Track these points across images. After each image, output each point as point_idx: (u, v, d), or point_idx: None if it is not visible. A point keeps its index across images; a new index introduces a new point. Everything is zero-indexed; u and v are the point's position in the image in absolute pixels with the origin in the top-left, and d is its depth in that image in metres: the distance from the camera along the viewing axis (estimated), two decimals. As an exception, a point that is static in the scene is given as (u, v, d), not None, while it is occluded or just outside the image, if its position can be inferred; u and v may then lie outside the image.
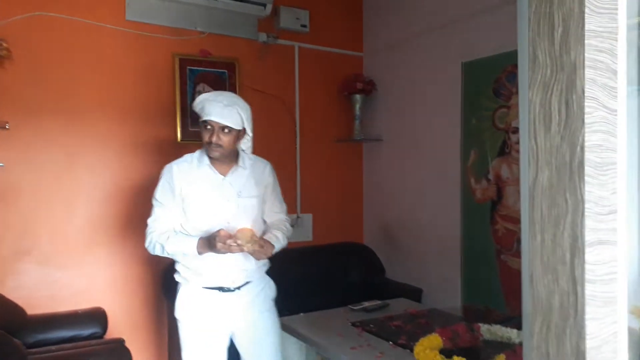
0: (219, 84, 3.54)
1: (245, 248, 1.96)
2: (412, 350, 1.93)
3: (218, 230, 1.99)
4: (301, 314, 2.59)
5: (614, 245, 0.74)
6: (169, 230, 2.12)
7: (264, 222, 2.28)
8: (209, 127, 2.08)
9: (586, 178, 0.71)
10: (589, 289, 0.73)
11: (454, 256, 3.32)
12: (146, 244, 2.14)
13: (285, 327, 2.39)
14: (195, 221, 2.12)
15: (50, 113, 3.05)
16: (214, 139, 2.06)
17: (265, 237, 2.15)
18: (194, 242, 2.06)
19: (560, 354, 0.75)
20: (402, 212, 3.83)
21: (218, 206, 2.12)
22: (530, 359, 0.78)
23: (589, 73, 0.72)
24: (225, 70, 3.60)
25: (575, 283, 0.73)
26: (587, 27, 0.71)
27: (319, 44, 4.02)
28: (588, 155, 0.71)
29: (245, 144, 2.27)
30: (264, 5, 3.66)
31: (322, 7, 4.02)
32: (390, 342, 2.17)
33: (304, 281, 3.32)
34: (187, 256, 2.10)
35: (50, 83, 3.05)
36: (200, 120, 2.12)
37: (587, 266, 0.72)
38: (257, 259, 2.08)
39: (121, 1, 3.26)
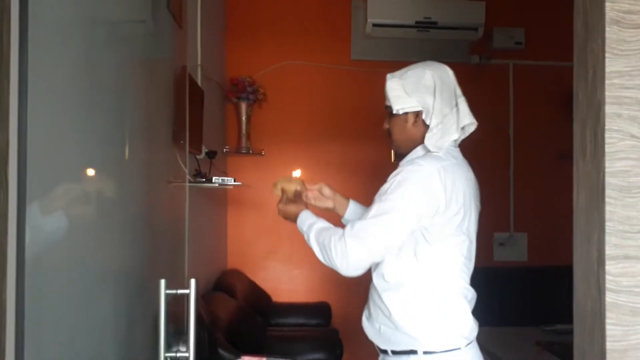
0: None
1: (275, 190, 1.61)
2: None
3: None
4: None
5: None
6: None
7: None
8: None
9: (607, 199, 0.82)
10: (611, 297, 0.82)
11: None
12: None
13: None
14: None
15: (294, 142, 3.83)
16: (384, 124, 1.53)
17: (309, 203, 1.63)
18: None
19: (591, 353, 0.85)
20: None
21: None
22: (575, 356, 0.89)
23: (611, 108, 0.83)
24: (437, 95, 3.88)
25: (600, 291, 0.83)
26: (607, 69, 0.82)
27: (535, 59, 3.96)
28: (610, 180, 0.82)
29: (430, 138, 1.44)
30: (476, 29, 3.82)
31: (538, 21, 3.96)
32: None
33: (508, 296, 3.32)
34: None
35: (294, 117, 3.82)
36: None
37: (608, 277, 0.82)
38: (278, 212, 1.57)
39: (346, 45, 3.87)
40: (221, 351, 2.34)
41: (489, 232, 3.77)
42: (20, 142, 0.83)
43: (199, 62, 2.79)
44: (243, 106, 3.64)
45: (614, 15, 0.81)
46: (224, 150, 3.65)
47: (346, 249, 1.31)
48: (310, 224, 1.45)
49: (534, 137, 3.92)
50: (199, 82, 2.71)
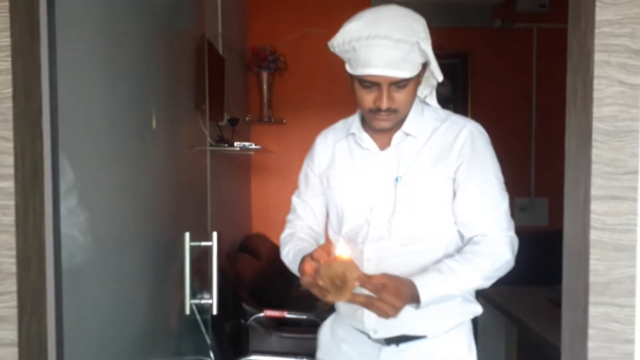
0: (451, 74, 3.83)
1: (328, 296, 1.04)
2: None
3: (311, 252, 1.10)
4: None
5: (633, 201, 0.86)
6: (296, 232, 1.36)
7: (459, 233, 1.22)
8: (368, 84, 1.12)
9: (594, 143, 0.87)
10: (595, 235, 0.88)
11: None
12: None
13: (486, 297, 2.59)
14: (332, 221, 1.34)
15: (314, 110, 3.88)
16: (384, 102, 1.11)
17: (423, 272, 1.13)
18: (296, 263, 1.20)
19: (578, 284, 0.91)
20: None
21: (361, 198, 1.23)
22: (564, 290, 0.96)
23: (600, 56, 0.86)
24: (458, 60, 3.86)
25: (585, 229, 0.89)
26: (598, 17, 0.86)
27: (560, 22, 3.89)
28: (597, 125, 0.87)
29: (425, 90, 1.27)
30: (498, -8, 3.77)
31: (563, -17, 3.87)
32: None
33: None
34: None
35: (315, 86, 3.87)
36: (352, 74, 1.16)
37: (593, 216, 0.87)
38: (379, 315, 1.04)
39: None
40: (245, 306, 2.47)
41: (511, 197, 3.79)
42: (52, 106, 0.93)
43: (220, 31, 2.85)
44: (264, 75, 3.70)
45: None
46: (246, 118, 3.73)
47: (512, 246, 1.16)
48: (444, 281, 1.09)
49: (557, 103, 3.88)
50: (220, 51, 2.78)
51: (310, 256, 1.07)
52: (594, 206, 0.88)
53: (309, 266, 1.07)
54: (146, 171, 1.34)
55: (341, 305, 1.29)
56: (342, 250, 1.02)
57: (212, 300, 1.47)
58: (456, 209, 1.18)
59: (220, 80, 2.59)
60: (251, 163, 3.99)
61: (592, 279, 0.88)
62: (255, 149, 2.89)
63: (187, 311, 1.39)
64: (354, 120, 1.29)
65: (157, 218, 1.41)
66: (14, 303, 0.89)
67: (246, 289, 2.66)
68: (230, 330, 2.44)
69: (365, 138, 1.24)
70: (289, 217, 1.43)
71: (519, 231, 1.22)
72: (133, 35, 1.25)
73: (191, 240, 1.43)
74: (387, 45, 1.06)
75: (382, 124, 1.16)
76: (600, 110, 0.87)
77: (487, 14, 3.88)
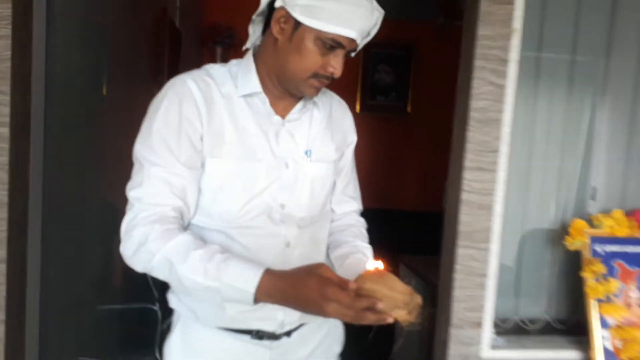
0: (396, 64, 4.12)
1: (399, 311, 0.81)
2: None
3: (318, 267, 0.86)
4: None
5: (493, 172, 1.18)
6: (173, 226, 0.95)
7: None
8: (332, 46, 0.93)
9: (469, 127, 1.16)
10: (465, 196, 1.18)
11: None
12: (126, 247, 0.94)
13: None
14: (212, 202, 1.00)
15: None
16: (339, 69, 0.96)
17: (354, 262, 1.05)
18: (251, 278, 0.87)
19: (451, 232, 1.23)
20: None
21: (265, 175, 1.01)
22: (444, 237, 1.28)
23: (479, 62, 1.16)
24: (403, 51, 4.15)
25: (459, 192, 1.19)
26: (479, 32, 1.15)
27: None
28: (473, 114, 1.16)
29: None
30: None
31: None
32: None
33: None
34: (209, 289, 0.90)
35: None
36: (317, 28, 0.92)
37: (464, 181, 1.18)
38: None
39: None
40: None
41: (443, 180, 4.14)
42: (39, 68, 1.12)
43: (178, 5, 2.99)
44: (218, 51, 3.85)
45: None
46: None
47: None
48: None
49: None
50: (177, 24, 2.93)
51: (328, 272, 0.84)
52: (466, 174, 1.18)
53: (340, 278, 0.83)
54: (101, 139, 1.53)
55: (228, 307, 0.99)
56: (376, 263, 0.85)
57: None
58: (347, 185, 1.14)
59: (177, 54, 2.74)
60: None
61: (461, 228, 1.18)
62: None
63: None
64: (248, 78, 0.99)
65: (109, 187, 1.59)
66: (5, 228, 1.09)
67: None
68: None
69: (267, 102, 1.00)
70: (137, 194, 0.94)
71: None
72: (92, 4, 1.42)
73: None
74: (367, 8, 0.92)
75: (315, 92, 0.99)
76: (476, 103, 1.17)
77: (434, 8, 4.18)
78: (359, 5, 0.90)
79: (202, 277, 0.87)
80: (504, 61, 1.17)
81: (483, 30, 1.15)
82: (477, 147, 1.18)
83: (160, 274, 0.91)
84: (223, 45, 3.86)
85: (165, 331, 1.08)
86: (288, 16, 0.91)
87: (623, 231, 1.24)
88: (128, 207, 0.93)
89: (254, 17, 0.98)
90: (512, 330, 1.36)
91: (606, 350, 1.21)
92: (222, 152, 0.96)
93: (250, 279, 0.84)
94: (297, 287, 0.82)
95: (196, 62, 3.94)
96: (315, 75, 0.95)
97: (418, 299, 0.81)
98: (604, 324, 1.21)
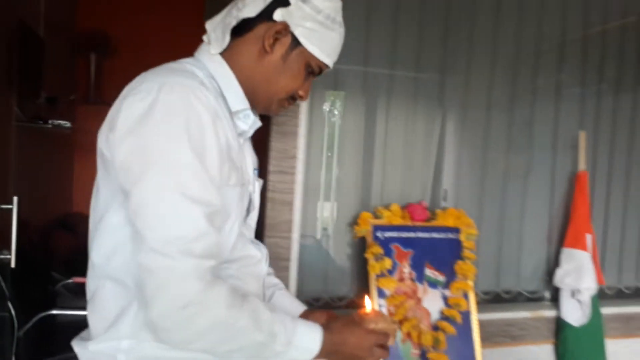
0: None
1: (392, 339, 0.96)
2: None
3: (357, 317, 0.94)
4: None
5: (292, 174, 1.44)
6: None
7: None
8: (315, 72, 0.94)
9: (271, 138, 1.42)
10: (271, 194, 1.44)
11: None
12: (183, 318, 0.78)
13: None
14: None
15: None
16: (306, 93, 0.97)
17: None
18: (315, 336, 0.87)
19: (261, 225, 1.47)
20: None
21: (246, 197, 0.98)
22: (264, 230, 1.51)
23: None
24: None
25: (266, 191, 1.44)
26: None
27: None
28: (275, 127, 1.42)
29: None
30: None
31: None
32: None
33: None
34: None
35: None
36: (314, 54, 0.92)
37: (270, 182, 1.43)
38: None
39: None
40: (53, 274, 2.69)
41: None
42: None
43: (42, 12, 2.98)
44: (92, 57, 3.85)
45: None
46: (71, 97, 3.84)
47: None
48: None
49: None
50: (42, 32, 2.92)
51: (376, 314, 0.93)
52: (271, 177, 1.44)
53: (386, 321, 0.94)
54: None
55: None
56: (369, 302, 0.97)
57: (10, 256, 1.77)
58: None
59: (37, 62, 2.75)
60: (75, 142, 4.09)
61: (268, 221, 1.44)
62: (69, 128, 3.09)
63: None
64: (235, 92, 0.91)
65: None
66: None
67: (60, 261, 2.86)
68: (41, 297, 2.65)
69: (250, 118, 0.94)
70: (209, 248, 0.79)
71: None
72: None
73: (-9, 204, 1.70)
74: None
75: (278, 112, 0.98)
76: (277, 119, 1.43)
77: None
78: (341, 36, 0.93)
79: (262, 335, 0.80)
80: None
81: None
82: (279, 155, 1.45)
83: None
84: (96, 52, 3.86)
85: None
86: (287, 33, 0.87)
87: (398, 220, 1.56)
88: None
89: (225, 19, 0.90)
90: (324, 307, 1.65)
91: (384, 315, 1.52)
92: (232, 179, 0.87)
93: (315, 337, 0.84)
94: (348, 341, 0.86)
95: (67, 72, 3.91)
96: (289, 97, 0.94)
97: (397, 325, 0.95)
98: (381, 294, 1.51)
